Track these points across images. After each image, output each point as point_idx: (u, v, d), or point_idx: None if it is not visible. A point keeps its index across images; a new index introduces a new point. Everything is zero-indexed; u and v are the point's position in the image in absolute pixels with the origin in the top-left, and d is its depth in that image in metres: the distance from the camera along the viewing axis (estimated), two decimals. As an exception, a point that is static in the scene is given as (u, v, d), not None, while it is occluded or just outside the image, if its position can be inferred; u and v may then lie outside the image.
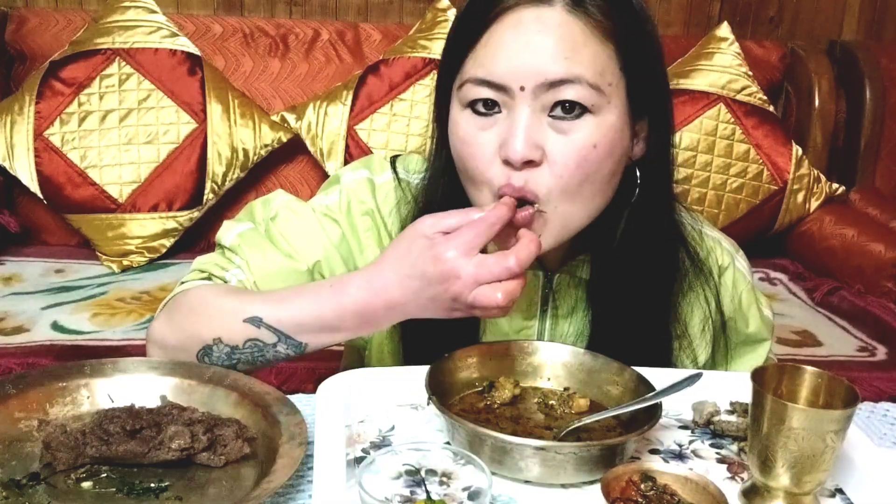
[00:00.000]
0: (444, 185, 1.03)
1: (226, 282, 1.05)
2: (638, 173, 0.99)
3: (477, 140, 0.94)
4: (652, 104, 0.98)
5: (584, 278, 1.07)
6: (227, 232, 1.08)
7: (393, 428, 0.96)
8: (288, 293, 0.98)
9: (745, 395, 0.87)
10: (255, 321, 0.95)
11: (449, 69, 0.97)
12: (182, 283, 1.07)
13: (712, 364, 1.13)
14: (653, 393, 0.92)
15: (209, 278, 1.06)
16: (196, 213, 2.25)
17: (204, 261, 1.08)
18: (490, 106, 0.93)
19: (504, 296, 0.87)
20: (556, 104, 0.91)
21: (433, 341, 0.98)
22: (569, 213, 0.95)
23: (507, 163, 0.92)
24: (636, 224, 1.01)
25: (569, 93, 0.90)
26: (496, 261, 0.87)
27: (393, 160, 1.12)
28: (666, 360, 1.08)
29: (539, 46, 0.90)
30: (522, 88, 0.90)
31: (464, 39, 0.94)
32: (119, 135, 2.21)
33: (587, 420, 0.93)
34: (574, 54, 0.90)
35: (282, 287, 1.02)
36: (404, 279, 0.90)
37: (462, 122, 0.95)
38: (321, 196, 1.10)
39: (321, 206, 1.08)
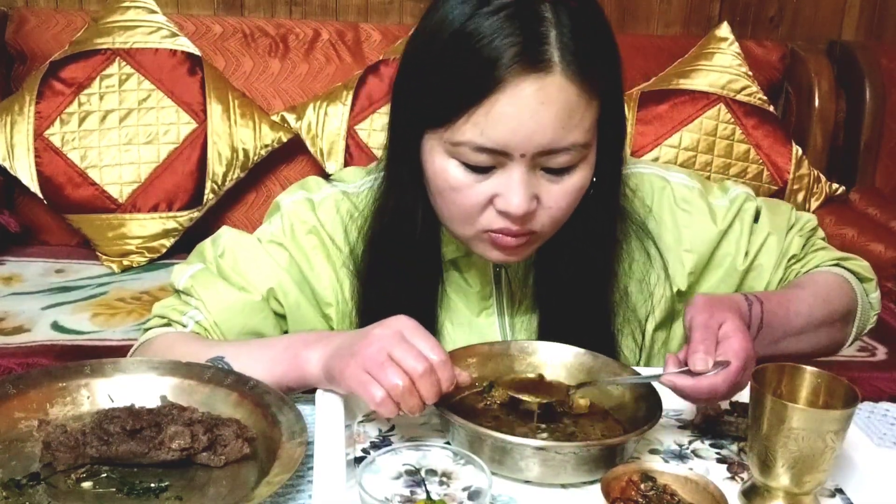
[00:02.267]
0: (404, 210, 1.03)
1: (184, 325, 1.08)
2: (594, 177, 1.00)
3: (469, 190, 0.95)
4: (614, 114, 1.00)
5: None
6: (180, 275, 1.11)
7: (393, 428, 0.96)
8: (248, 350, 1.01)
9: (745, 395, 0.87)
10: (217, 359, 0.99)
11: (424, 113, 0.96)
12: (145, 330, 1.11)
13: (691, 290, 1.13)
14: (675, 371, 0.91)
15: (169, 324, 1.09)
16: (196, 214, 2.25)
17: (162, 306, 1.11)
18: (486, 167, 0.94)
19: (394, 388, 0.85)
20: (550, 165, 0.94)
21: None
22: (552, 233, 1.01)
23: (504, 213, 0.95)
24: (585, 208, 1.02)
25: (564, 158, 0.94)
26: (418, 356, 0.86)
27: (326, 177, 1.15)
28: (607, 328, 1.09)
29: (541, 119, 0.90)
30: (523, 155, 0.92)
31: (456, 99, 0.91)
32: (119, 135, 2.21)
33: (598, 384, 0.94)
34: (570, 121, 0.92)
35: (239, 319, 1.07)
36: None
37: (452, 170, 0.95)
38: (265, 226, 1.12)
39: (266, 234, 1.11)
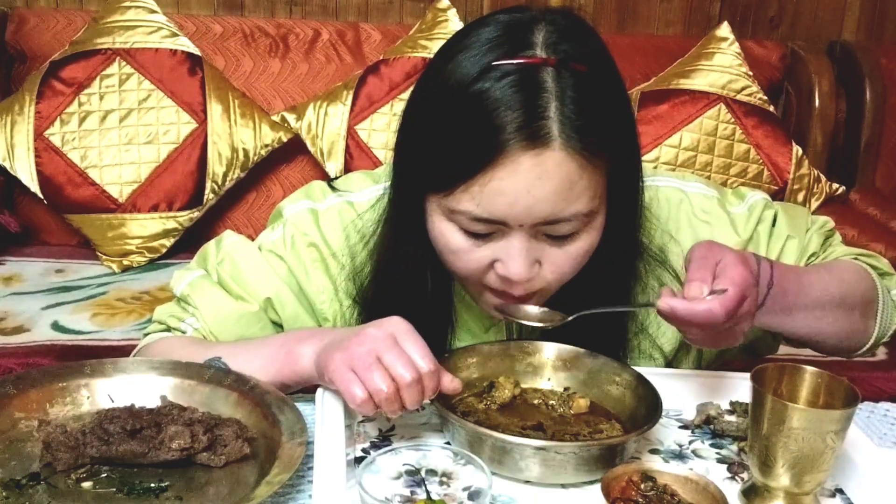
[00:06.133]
0: (412, 268, 1.01)
1: (183, 332, 1.08)
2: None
3: (469, 254, 0.94)
4: (625, 178, 0.97)
5: None
6: (178, 281, 1.11)
7: (393, 428, 0.96)
8: (245, 350, 1.01)
9: (745, 395, 0.87)
10: (215, 360, 0.99)
11: (424, 177, 0.94)
12: (145, 335, 1.12)
13: None
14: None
15: (168, 329, 1.10)
16: (196, 213, 2.25)
17: (161, 312, 1.11)
18: (485, 234, 0.92)
19: (378, 393, 0.84)
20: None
21: None
22: (558, 287, 0.98)
23: (504, 278, 0.93)
24: (598, 258, 0.98)
25: (566, 227, 0.91)
26: (409, 360, 0.85)
27: (331, 184, 1.13)
28: (621, 351, 1.07)
29: (539, 193, 0.88)
30: (521, 225, 0.90)
31: (454, 168, 0.89)
32: (119, 135, 2.21)
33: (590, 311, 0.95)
34: (571, 194, 0.89)
35: (235, 329, 1.06)
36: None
37: (450, 234, 0.93)
38: (267, 232, 1.11)
39: (267, 243, 1.09)
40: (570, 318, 0.95)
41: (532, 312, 0.96)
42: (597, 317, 1.01)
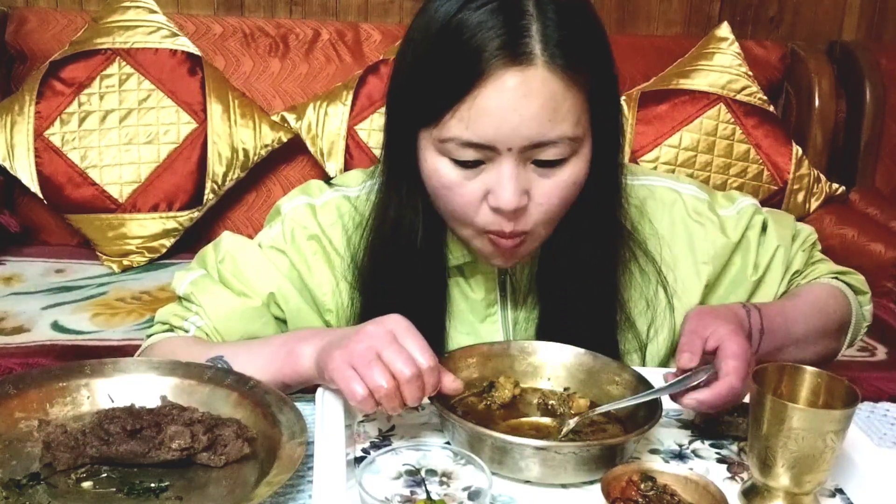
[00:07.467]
0: (404, 216, 1.03)
1: (186, 331, 1.08)
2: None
3: (461, 188, 0.95)
4: (606, 110, 0.99)
5: (535, 256, 1.08)
6: (180, 281, 1.12)
7: (393, 428, 0.96)
8: (246, 350, 1.01)
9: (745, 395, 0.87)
10: (217, 359, 0.99)
11: (415, 112, 0.96)
12: (148, 336, 1.12)
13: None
14: (670, 383, 0.92)
15: (171, 329, 1.10)
16: (196, 214, 2.25)
17: (164, 312, 1.12)
18: (475, 162, 0.94)
19: (378, 389, 0.85)
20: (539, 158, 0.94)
21: None
22: (547, 231, 1.01)
23: (496, 209, 0.94)
24: (582, 213, 1.02)
25: (552, 152, 0.93)
26: (408, 357, 0.86)
27: (328, 181, 1.15)
28: (611, 341, 1.08)
29: (525, 111, 0.90)
30: (510, 149, 0.92)
31: (441, 94, 0.92)
32: (119, 135, 2.21)
33: (592, 413, 0.93)
34: (556, 114, 0.91)
35: (239, 326, 1.07)
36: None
37: (443, 168, 0.95)
38: (265, 231, 1.12)
39: (267, 239, 1.10)
40: (573, 422, 0.93)
41: (540, 421, 0.95)
42: (584, 301, 1.04)
